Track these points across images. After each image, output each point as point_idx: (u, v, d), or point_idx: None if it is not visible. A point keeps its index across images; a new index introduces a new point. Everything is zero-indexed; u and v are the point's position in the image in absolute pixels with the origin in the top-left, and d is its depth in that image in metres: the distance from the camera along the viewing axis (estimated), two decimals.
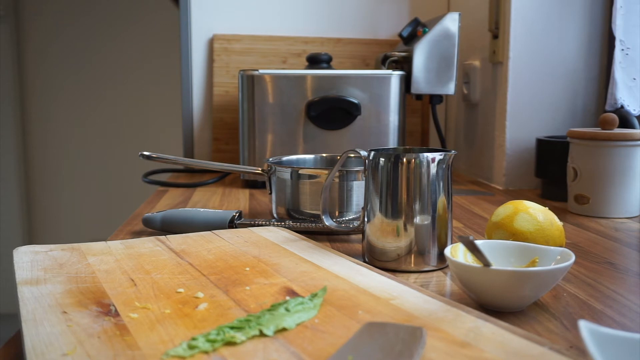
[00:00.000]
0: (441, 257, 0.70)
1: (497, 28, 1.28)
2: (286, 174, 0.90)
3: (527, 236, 0.67)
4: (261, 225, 0.86)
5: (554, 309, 0.57)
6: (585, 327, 0.38)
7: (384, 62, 1.35)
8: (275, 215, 0.94)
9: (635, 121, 1.10)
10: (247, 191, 1.25)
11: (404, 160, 0.69)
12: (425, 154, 0.69)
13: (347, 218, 0.88)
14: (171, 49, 2.89)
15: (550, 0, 1.23)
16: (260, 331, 0.47)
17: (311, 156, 1.04)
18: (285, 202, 0.91)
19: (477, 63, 1.42)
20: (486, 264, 0.56)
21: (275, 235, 0.79)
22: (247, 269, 0.64)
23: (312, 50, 1.53)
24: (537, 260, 0.61)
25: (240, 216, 0.88)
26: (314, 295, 0.54)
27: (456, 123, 1.58)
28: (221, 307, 0.52)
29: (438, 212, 0.69)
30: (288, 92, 1.26)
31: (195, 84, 1.57)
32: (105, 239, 0.78)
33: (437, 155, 0.69)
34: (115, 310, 0.51)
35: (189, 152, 1.59)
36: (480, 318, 0.49)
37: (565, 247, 0.63)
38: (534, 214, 0.69)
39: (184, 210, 0.89)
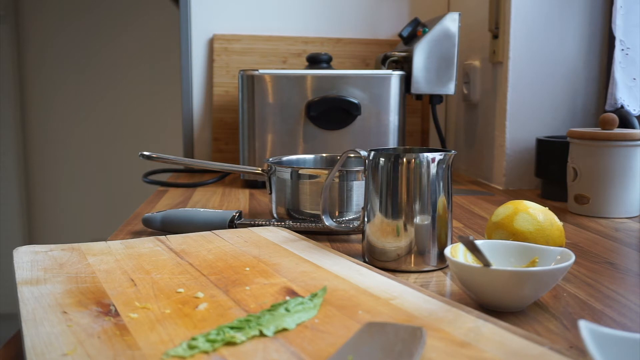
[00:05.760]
0: (441, 257, 0.70)
1: (497, 28, 1.28)
2: (286, 174, 0.90)
3: (527, 236, 0.67)
4: (261, 225, 0.86)
5: (554, 309, 0.57)
6: (585, 327, 0.38)
7: (384, 62, 1.35)
8: (275, 215, 0.94)
9: (635, 121, 1.10)
10: (247, 191, 1.25)
11: (404, 160, 0.69)
12: (425, 154, 0.69)
13: (347, 218, 0.88)
14: (171, 49, 2.89)
15: (550, 0, 1.23)
16: (260, 331, 0.46)
17: (311, 156, 1.04)
18: (285, 202, 0.91)
19: (477, 63, 1.42)
20: (486, 264, 0.56)
21: (275, 235, 0.79)
22: (247, 269, 0.64)
23: (312, 50, 1.53)
24: (537, 260, 0.61)
25: (240, 216, 0.88)
26: (314, 295, 0.54)
27: (456, 123, 1.58)
28: (221, 307, 0.52)
29: (438, 212, 0.69)
30: (288, 92, 1.26)
31: (195, 84, 1.57)
32: (105, 239, 0.78)
33: (437, 155, 0.69)
34: (115, 310, 0.51)
35: (189, 152, 1.59)
36: (480, 318, 0.49)
37: (565, 247, 0.63)
38: (534, 214, 0.69)
39: (184, 210, 0.89)
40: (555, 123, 1.26)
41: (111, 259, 0.67)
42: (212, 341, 0.45)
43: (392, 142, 1.29)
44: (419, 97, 1.40)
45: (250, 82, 1.26)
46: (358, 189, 0.87)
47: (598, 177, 0.99)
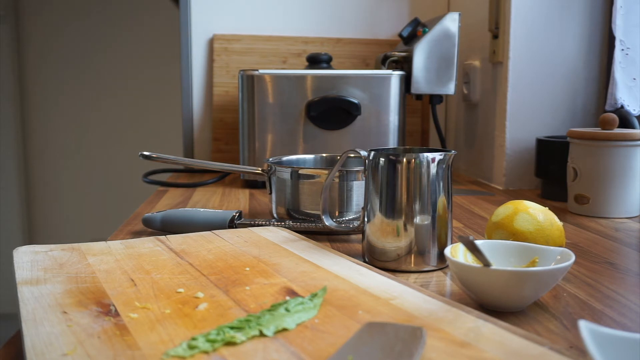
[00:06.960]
0: (441, 257, 0.70)
1: (497, 28, 1.28)
2: (286, 174, 0.90)
3: (527, 236, 0.67)
4: (261, 225, 0.86)
5: (554, 309, 0.57)
6: (585, 327, 0.38)
7: (384, 62, 1.35)
8: (275, 215, 0.94)
9: (635, 121, 1.10)
10: (247, 191, 1.25)
11: (404, 160, 0.69)
12: (425, 154, 0.69)
13: (347, 218, 0.88)
14: (171, 49, 2.89)
15: (550, 0, 1.23)
16: (260, 331, 0.46)
17: (311, 156, 1.04)
18: (285, 202, 0.91)
19: (477, 63, 1.42)
20: (486, 264, 0.56)
21: (275, 235, 0.79)
22: (247, 269, 0.64)
23: (312, 50, 1.53)
24: (537, 260, 0.61)
25: (240, 216, 0.88)
26: (314, 295, 0.54)
27: (456, 123, 1.58)
28: (221, 307, 0.52)
29: (438, 212, 0.69)
30: (288, 92, 1.26)
31: (195, 84, 1.57)
32: (105, 239, 0.78)
33: (437, 155, 0.69)
34: (115, 310, 0.51)
35: (189, 152, 1.59)
36: (480, 318, 0.49)
37: (565, 247, 0.63)
38: (534, 214, 0.69)
39: (184, 210, 0.89)
40: (555, 123, 1.26)
41: (111, 259, 0.67)
42: (212, 341, 0.45)
43: (392, 142, 1.29)
44: (419, 97, 1.40)
45: (250, 82, 1.26)
46: (358, 189, 0.87)
47: (598, 177, 0.99)
